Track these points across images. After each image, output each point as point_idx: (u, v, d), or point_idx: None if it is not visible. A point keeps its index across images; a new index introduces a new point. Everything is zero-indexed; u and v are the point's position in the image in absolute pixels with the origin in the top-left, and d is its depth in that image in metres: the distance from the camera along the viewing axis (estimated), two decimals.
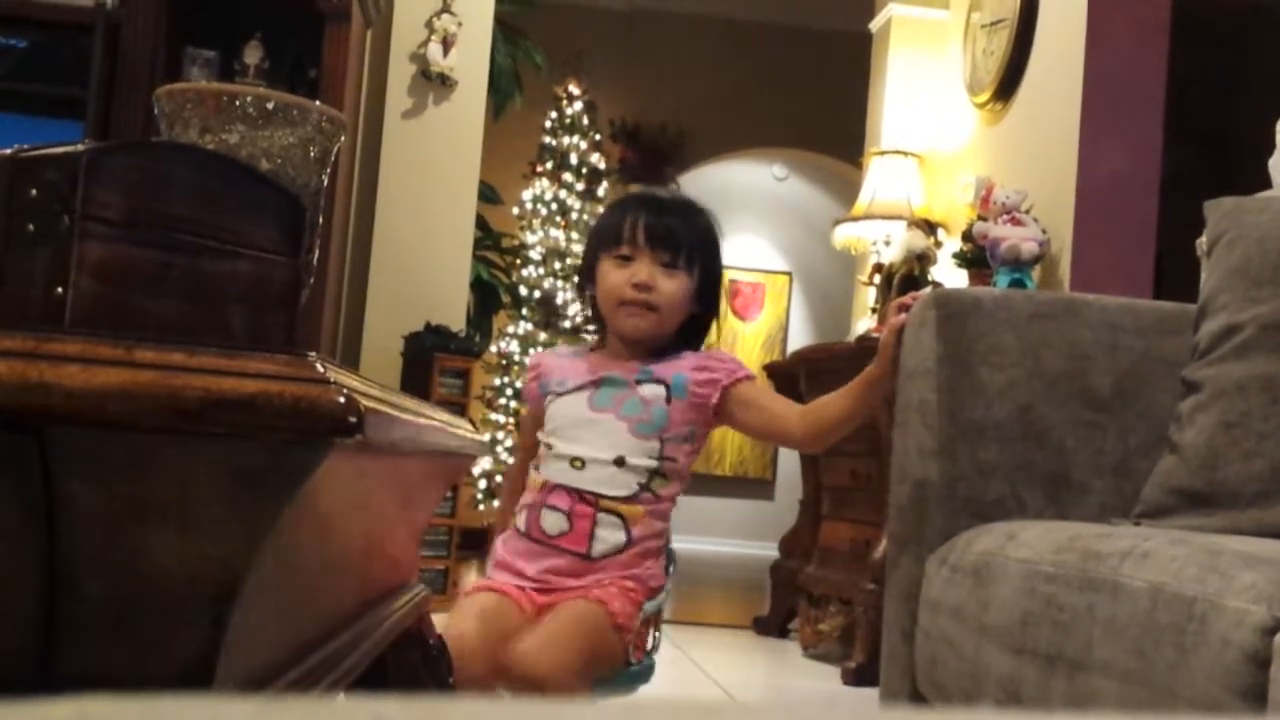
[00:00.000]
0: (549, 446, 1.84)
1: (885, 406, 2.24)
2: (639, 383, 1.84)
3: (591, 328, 2.04)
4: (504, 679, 1.68)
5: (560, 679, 1.63)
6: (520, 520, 1.84)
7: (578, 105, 7.06)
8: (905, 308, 1.84)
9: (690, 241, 1.85)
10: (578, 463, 1.81)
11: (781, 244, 10.31)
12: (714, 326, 1.95)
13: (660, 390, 1.84)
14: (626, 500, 1.81)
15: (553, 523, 1.80)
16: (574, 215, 6.90)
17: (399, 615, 1.43)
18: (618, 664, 1.77)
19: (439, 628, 1.67)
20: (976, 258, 4.21)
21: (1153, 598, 1.20)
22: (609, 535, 1.80)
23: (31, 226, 0.92)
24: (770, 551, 5.01)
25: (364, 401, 0.77)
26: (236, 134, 1.19)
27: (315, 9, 4.32)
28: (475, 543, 5.17)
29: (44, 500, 0.77)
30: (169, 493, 0.78)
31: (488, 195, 6.54)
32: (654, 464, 1.82)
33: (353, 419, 0.75)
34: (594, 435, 1.82)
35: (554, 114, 7.07)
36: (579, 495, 1.80)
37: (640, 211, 1.86)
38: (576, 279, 2.02)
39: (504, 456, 6.41)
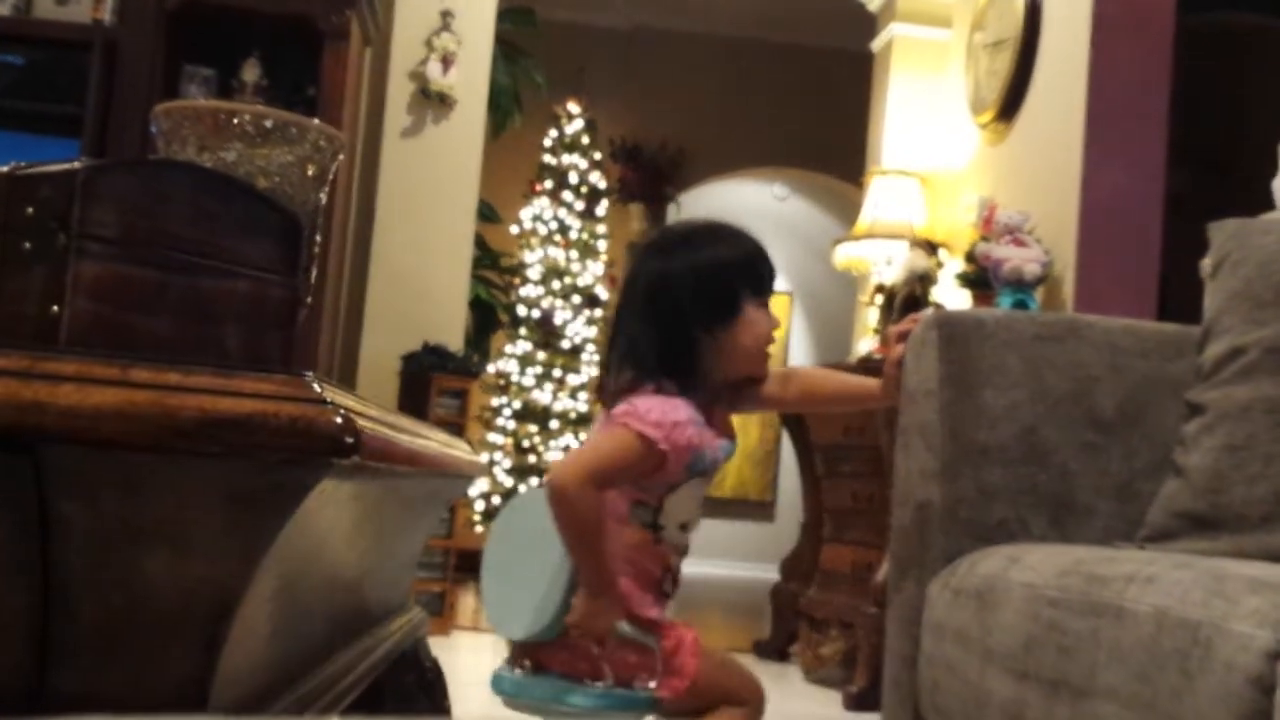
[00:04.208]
0: (683, 526, 1.78)
1: (887, 428, 2.24)
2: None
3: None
4: None
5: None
6: (669, 586, 1.79)
7: (577, 124, 7.07)
8: (905, 336, 1.83)
9: None
10: (688, 526, 1.81)
11: (782, 264, 10.31)
12: None
13: None
14: None
15: (670, 585, 1.82)
16: (573, 234, 6.90)
17: (395, 638, 1.42)
18: None
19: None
20: (979, 278, 4.21)
21: (1157, 622, 1.19)
22: None
23: (27, 244, 0.92)
24: (771, 574, 5.00)
25: (361, 422, 0.76)
26: (234, 152, 1.19)
27: (314, 27, 4.33)
28: (472, 565, 5.15)
29: (38, 519, 0.76)
30: (164, 512, 0.78)
31: (486, 214, 6.54)
32: None
33: (349, 439, 0.75)
34: (701, 500, 1.83)
35: (554, 133, 7.07)
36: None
37: (766, 255, 1.82)
38: (681, 315, 1.75)
39: (501, 478, 6.39)
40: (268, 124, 1.19)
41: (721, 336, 1.75)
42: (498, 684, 1.85)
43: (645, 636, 1.75)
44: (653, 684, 1.74)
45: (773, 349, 1.90)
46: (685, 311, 1.74)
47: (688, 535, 1.80)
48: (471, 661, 3.73)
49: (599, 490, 1.69)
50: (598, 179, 7.10)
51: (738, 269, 1.78)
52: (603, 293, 6.94)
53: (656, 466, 1.70)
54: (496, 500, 6.28)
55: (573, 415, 6.55)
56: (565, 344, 6.72)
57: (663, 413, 1.70)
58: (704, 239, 1.84)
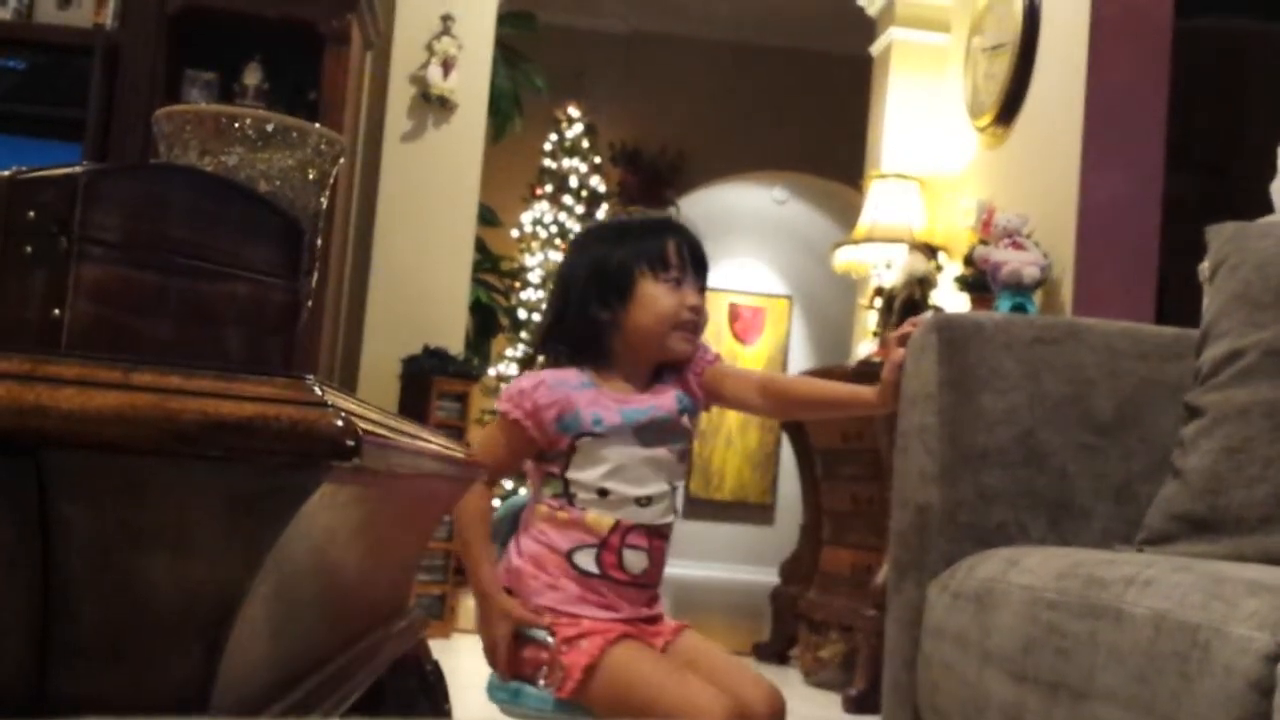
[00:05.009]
0: (602, 492, 1.80)
1: (886, 431, 2.24)
2: (681, 412, 1.87)
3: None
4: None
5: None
6: (587, 562, 1.80)
7: (578, 128, 7.08)
8: (905, 340, 1.85)
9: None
10: (644, 500, 1.82)
11: (782, 267, 10.32)
12: None
13: (686, 412, 1.89)
14: (672, 522, 1.89)
15: (635, 562, 1.82)
16: (573, 238, 6.91)
17: (395, 640, 1.43)
18: None
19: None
20: (978, 282, 4.21)
21: (1156, 625, 1.20)
22: (666, 559, 1.88)
23: (29, 248, 0.92)
24: (770, 577, 5.00)
25: (362, 425, 0.77)
26: (235, 156, 1.19)
27: (315, 31, 4.33)
28: None
29: (40, 523, 0.77)
30: (166, 516, 0.78)
31: (487, 218, 6.55)
32: (681, 481, 1.90)
33: (350, 442, 0.75)
34: (653, 472, 1.84)
35: (554, 137, 7.08)
36: (654, 531, 1.84)
37: (678, 235, 1.87)
38: (579, 297, 1.85)
39: (502, 481, 6.40)
40: (269, 128, 1.19)
41: (620, 314, 1.83)
42: (493, 693, 1.87)
43: (536, 631, 1.77)
44: (543, 681, 1.75)
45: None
46: (581, 292, 1.85)
47: (625, 506, 1.80)
48: (472, 664, 3.73)
49: (489, 478, 1.80)
50: (598, 183, 7.12)
51: (633, 249, 1.85)
52: None
53: (522, 438, 1.80)
54: (496, 503, 6.28)
55: None
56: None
57: (517, 383, 1.82)
58: (608, 227, 1.93)
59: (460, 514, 1.82)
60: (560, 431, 1.80)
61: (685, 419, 1.89)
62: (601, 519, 1.80)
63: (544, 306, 6.71)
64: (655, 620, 1.86)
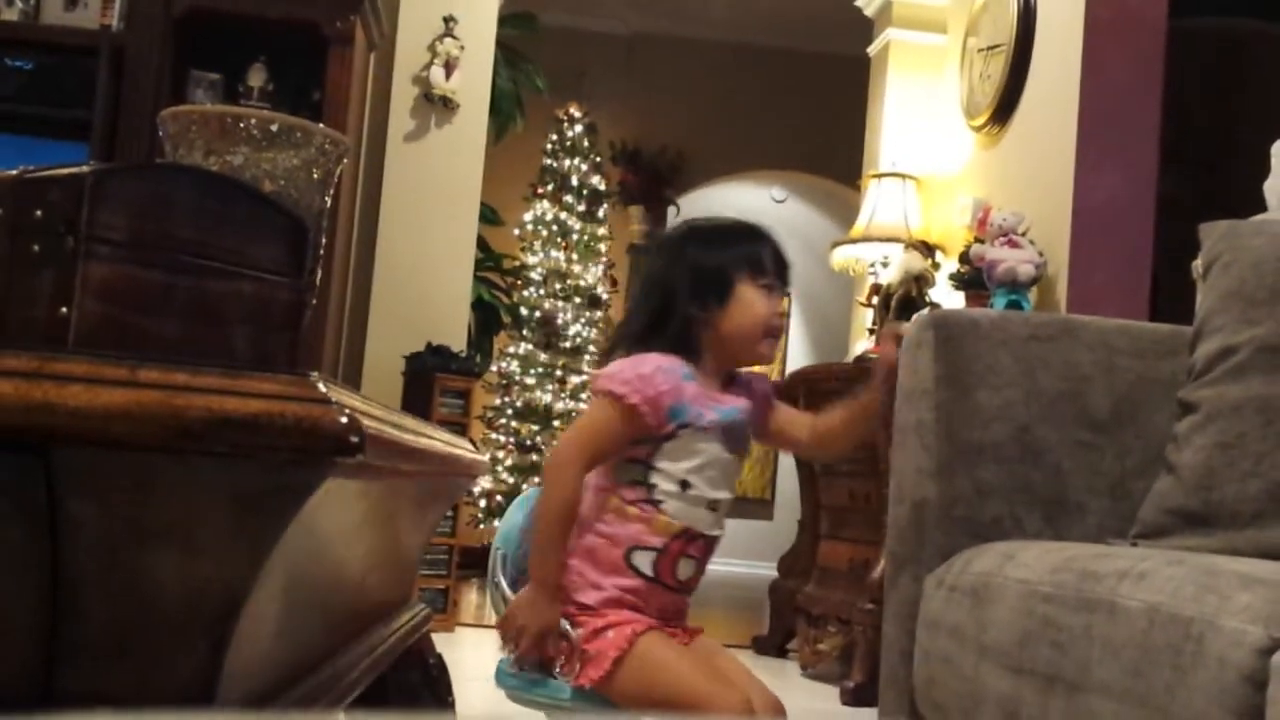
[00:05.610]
0: (684, 485, 1.78)
1: (883, 427, 2.24)
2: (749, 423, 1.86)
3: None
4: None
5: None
6: (644, 564, 1.77)
7: (578, 128, 7.08)
8: (899, 338, 1.85)
9: None
10: (714, 506, 1.81)
11: None
12: None
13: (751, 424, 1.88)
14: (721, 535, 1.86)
15: (685, 570, 1.81)
16: (574, 237, 6.91)
17: (399, 634, 1.43)
18: None
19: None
20: (974, 279, 4.22)
21: (1150, 618, 1.20)
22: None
23: (36, 247, 0.93)
24: (769, 571, 5.01)
25: (366, 421, 0.77)
26: (240, 156, 1.20)
27: (319, 32, 4.35)
28: (475, 562, 5.16)
29: (48, 519, 0.77)
30: (172, 512, 0.79)
31: (489, 217, 6.55)
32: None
33: (354, 439, 0.75)
34: (724, 477, 1.82)
35: (555, 136, 7.09)
36: (710, 542, 1.83)
37: (772, 243, 1.88)
38: (677, 296, 1.82)
39: (504, 476, 6.40)
40: (273, 128, 1.20)
41: (716, 315, 1.81)
42: (501, 679, 1.86)
43: (565, 627, 1.77)
44: (565, 672, 1.74)
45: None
46: (679, 290, 1.81)
47: (699, 507, 1.79)
48: (475, 657, 3.75)
49: (590, 464, 1.73)
50: (598, 182, 7.12)
51: (734, 251, 1.85)
52: (603, 294, 6.96)
53: (637, 424, 1.74)
54: (499, 499, 6.29)
55: (574, 415, 6.57)
56: (566, 344, 6.74)
57: (630, 367, 1.76)
58: (703, 229, 1.89)
59: (571, 492, 1.74)
60: (667, 420, 1.77)
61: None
62: (671, 523, 1.77)
63: (546, 305, 6.72)
64: (679, 617, 1.86)
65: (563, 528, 1.74)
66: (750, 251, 1.85)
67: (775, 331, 1.85)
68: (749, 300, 1.82)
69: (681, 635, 1.83)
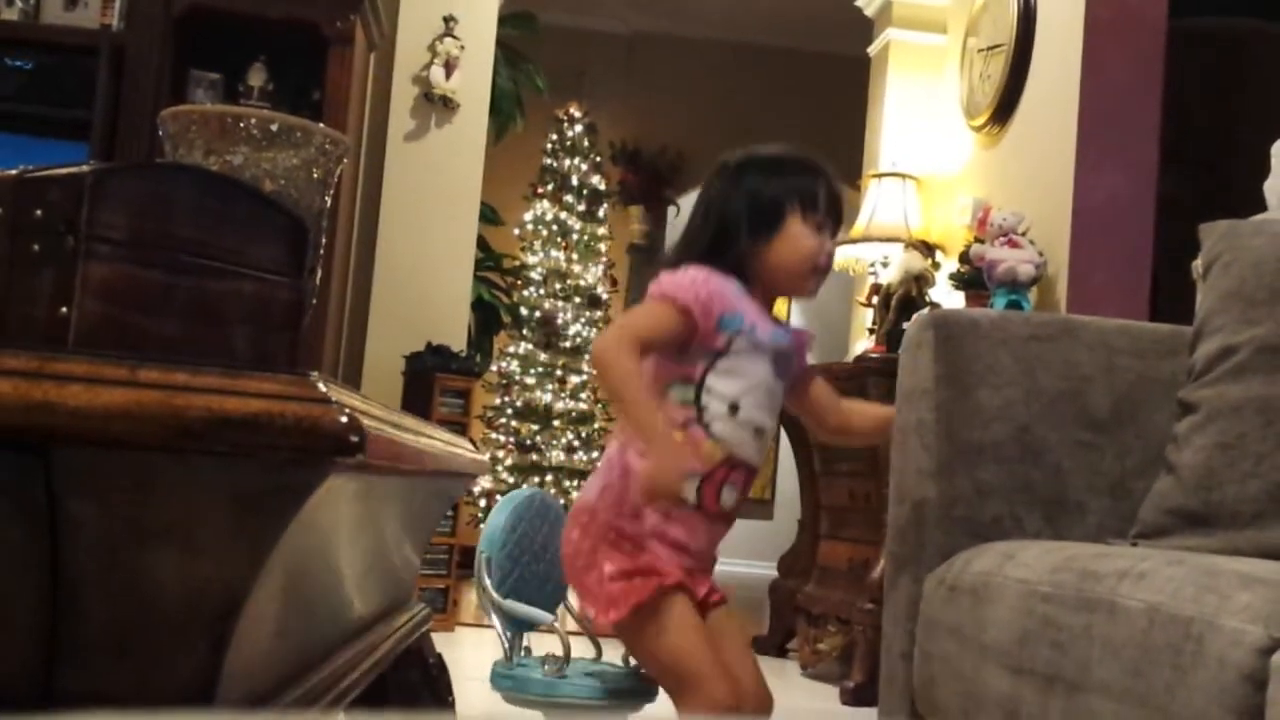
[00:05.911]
0: (734, 408, 1.77)
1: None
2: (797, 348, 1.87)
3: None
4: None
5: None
6: (689, 490, 1.74)
7: (578, 127, 7.08)
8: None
9: None
10: (760, 432, 1.80)
11: None
12: None
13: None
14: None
15: (729, 497, 1.80)
16: (574, 236, 6.91)
17: (399, 634, 1.43)
18: None
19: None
20: (974, 279, 4.22)
21: (1150, 618, 1.20)
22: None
23: (36, 247, 0.93)
24: (769, 571, 5.01)
25: (366, 421, 0.77)
26: (240, 155, 1.20)
27: (319, 32, 4.35)
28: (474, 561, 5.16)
29: (48, 519, 0.77)
30: (172, 512, 0.78)
31: (489, 216, 6.55)
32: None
33: (355, 438, 0.75)
34: (770, 404, 1.82)
35: (555, 136, 7.09)
36: (751, 470, 1.82)
37: (829, 183, 1.87)
38: (732, 222, 1.83)
39: (504, 476, 6.40)
40: (273, 128, 1.20)
41: (765, 247, 1.82)
42: (496, 681, 1.87)
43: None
44: (592, 611, 1.75)
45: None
46: (733, 218, 1.83)
47: (746, 431, 1.78)
48: (474, 657, 3.74)
49: (636, 349, 1.71)
50: (598, 182, 7.12)
51: (788, 185, 1.85)
52: (603, 294, 6.96)
53: (688, 327, 1.74)
54: (499, 499, 6.29)
55: (574, 414, 6.58)
56: (566, 344, 6.73)
57: (684, 274, 1.77)
58: (763, 159, 1.90)
59: (633, 364, 1.70)
60: (718, 329, 1.77)
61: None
62: (715, 450, 1.76)
63: (546, 304, 6.72)
64: (709, 567, 1.84)
65: (638, 393, 1.70)
66: (805, 186, 1.86)
67: (823, 269, 1.86)
68: (797, 234, 1.83)
69: (708, 592, 1.81)
